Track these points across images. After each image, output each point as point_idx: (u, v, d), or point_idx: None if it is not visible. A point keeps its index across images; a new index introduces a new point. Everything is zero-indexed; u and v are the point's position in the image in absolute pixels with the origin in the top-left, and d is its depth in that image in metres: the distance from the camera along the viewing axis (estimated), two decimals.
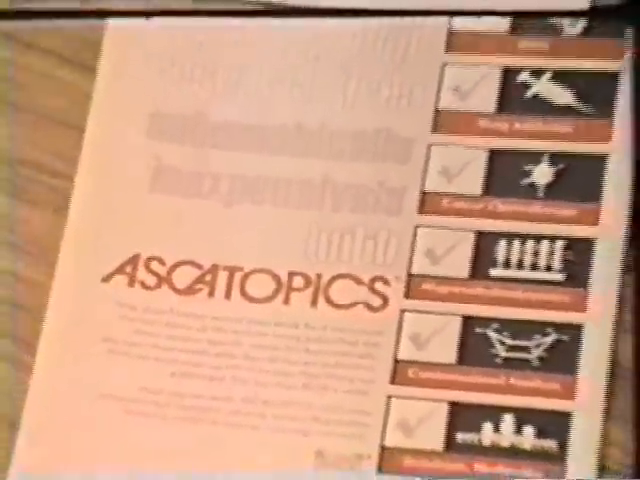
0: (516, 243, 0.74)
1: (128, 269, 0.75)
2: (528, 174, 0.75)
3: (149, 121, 0.78)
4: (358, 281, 0.74)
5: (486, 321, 0.73)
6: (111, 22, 0.80)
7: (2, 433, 0.74)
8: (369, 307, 0.74)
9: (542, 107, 0.76)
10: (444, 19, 0.76)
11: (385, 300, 0.74)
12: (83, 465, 0.73)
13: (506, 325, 0.73)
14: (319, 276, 0.74)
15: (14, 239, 0.77)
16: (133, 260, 0.75)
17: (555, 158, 0.75)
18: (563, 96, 0.76)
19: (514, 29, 0.77)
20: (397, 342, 0.73)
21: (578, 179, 0.74)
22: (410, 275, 0.74)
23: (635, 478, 0.59)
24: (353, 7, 0.76)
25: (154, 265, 0.75)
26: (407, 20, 0.76)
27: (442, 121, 0.76)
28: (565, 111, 0.75)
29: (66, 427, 0.74)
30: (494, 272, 0.73)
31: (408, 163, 0.75)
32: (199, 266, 0.75)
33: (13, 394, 0.75)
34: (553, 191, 0.74)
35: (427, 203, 0.75)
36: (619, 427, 0.71)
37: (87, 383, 0.74)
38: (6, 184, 0.78)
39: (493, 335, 0.73)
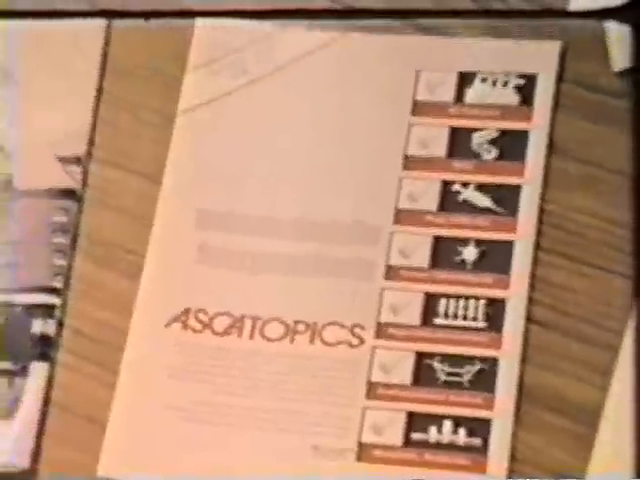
0: (452, 301, 0.74)
1: (182, 318, 0.75)
2: (460, 253, 0.75)
3: (197, 215, 0.77)
4: (342, 326, 0.74)
5: (432, 355, 0.73)
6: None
7: (94, 435, 0.73)
8: (350, 345, 0.74)
9: (469, 208, 0.76)
10: (401, 144, 0.77)
11: (361, 340, 0.74)
12: (155, 461, 0.72)
13: (446, 358, 0.73)
14: (315, 323, 0.74)
15: (101, 296, 0.76)
16: (186, 312, 0.75)
17: (479, 243, 0.75)
18: (483, 201, 0.76)
19: (449, 154, 0.77)
20: (370, 369, 0.73)
21: (494, 257, 0.74)
22: (379, 323, 0.74)
23: (635, 478, 0.57)
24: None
25: (200, 315, 0.75)
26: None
27: (401, 216, 0.76)
28: (485, 211, 0.75)
29: (140, 431, 0.73)
30: (437, 321, 0.73)
31: (377, 245, 0.75)
32: (231, 316, 0.75)
33: (101, 405, 0.74)
34: (477, 265, 0.74)
35: (390, 273, 0.75)
36: (525, 430, 0.71)
37: (155, 398, 0.74)
38: (96, 258, 0.77)
39: (437, 365, 0.73)
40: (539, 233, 0.75)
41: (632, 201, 0.70)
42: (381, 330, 0.74)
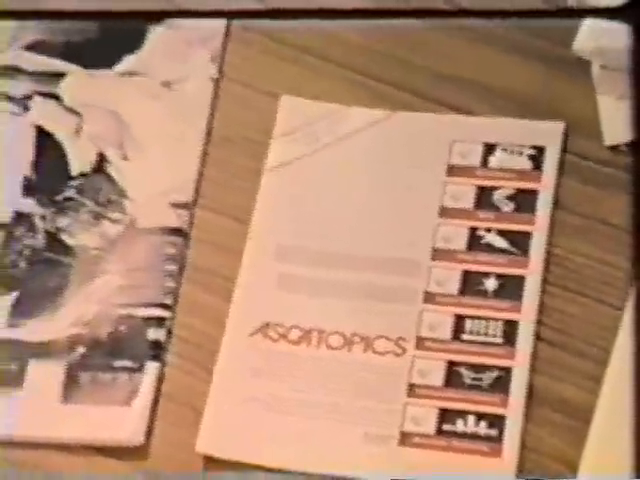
0: (476, 321, 0.72)
1: (263, 330, 0.73)
2: (483, 284, 0.73)
3: (276, 250, 0.75)
4: (389, 339, 0.72)
5: (460, 363, 0.71)
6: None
7: (194, 419, 0.71)
8: (395, 354, 0.72)
9: (491, 249, 0.74)
10: (438, 197, 0.75)
11: (404, 350, 0.72)
12: (240, 441, 0.70)
13: (471, 366, 0.71)
14: (368, 337, 0.72)
15: (201, 311, 0.74)
16: (266, 325, 0.73)
17: (498, 276, 0.73)
18: (502, 243, 0.74)
19: (476, 207, 0.75)
20: (410, 373, 0.71)
21: (510, 288, 0.72)
22: (418, 337, 0.72)
23: (635, 478, 0.53)
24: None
25: (277, 328, 0.73)
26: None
27: (437, 254, 0.74)
28: (503, 251, 0.74)
29: (229, 418, 0.71)
30: (465, 336, 0.72)
31: (418, 276, 0.73)
32: (302, 329, 0.73)
33: (199, 396, 0.72)
34: (497, 294, 0.72)
35: (428, 298, 0.73)
36: (532, 424, 0.69)
37: (240, 392, 0.72)
38: (198, 282, 0.75)
39: (463, 371, 0.71)
40: (546, 270, 0.73)
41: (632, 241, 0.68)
42: (420, 343, 0.72)
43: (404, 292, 0.74)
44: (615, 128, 0.75)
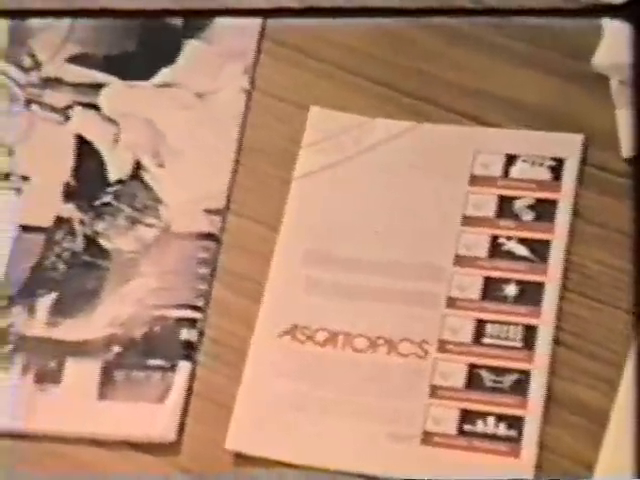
0: (497, 326, 0.73)
1: (291, 332, 0.74)
2: (503, 290, 0.74)
3: (304, 255, 0.76)
4: (412, 342, 0.73)
5: (480, 366, 0.72)
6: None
7: (224, 417, 0.72)
8: (418, 356, 0.73)
9: (511, 256, 0.75)
10: (461, 206, 0.76)
11: (427, 353, 0.73)
12: (269, 438, 0.72)
13: (491, 369, 0.72)
14: (392, 339, 0.73)
15: (231, 313, 0.75)
16: (294, 327, 0.75)
17: (518, 282, 0.74)
18: (522, 251, 0.75)
19: (497, 215, 0.76)
20: (432, 375, 0.72)
21: (530, 294, 0.74)
22: (440, 340, 0.73)
23: (636, 478, 0.54)
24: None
25: (305, 330, 0.75)
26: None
27: (459, 260, 0.75)
28: (523, 259, 0.75)
29: (258, 415, 0.72)
30: (485, 340, 0.73)
31: (441, 281, 0.75)
32: (329, 331, 0.74)
33: (229, 394, 0.73)
34: (516, 300, 0.74)
35: (450, 303, 0.74)
36: (550, 426, 0.70)
37: (268, 390, 0.73)
38: (229, 285, 0.76)
39: (484, 374, 0.72)
40: (564, 277, 0.74)
41: (633, 256, 0.70)
42: (442, 346, 0.73)
43: (427, 297, 0.75)
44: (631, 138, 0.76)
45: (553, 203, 0.76)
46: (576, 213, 0.76)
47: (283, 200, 0.79)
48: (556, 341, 0.73)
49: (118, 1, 0.56)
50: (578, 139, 0.78)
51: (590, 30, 0.79)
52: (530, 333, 0.73)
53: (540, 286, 0.74)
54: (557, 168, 0.77)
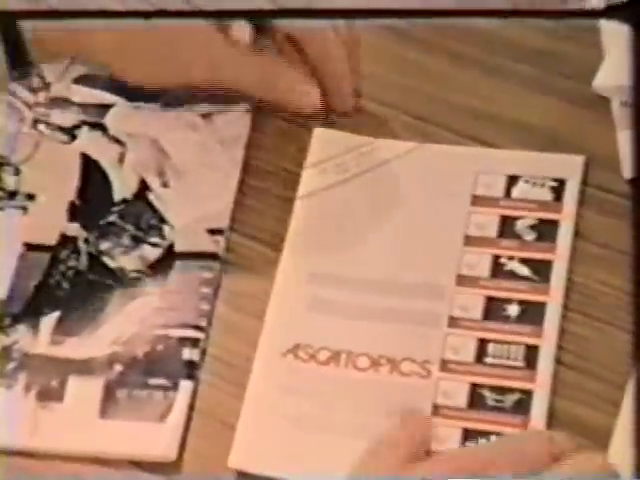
0: (499, 345, 0.72)
1: (294, 350, 0.73)
2: (505, 310, 0.73)
3: (308, 274, 0.75)
4: (414, 362, 0.72)
5: (483, 386, 0.71)
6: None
7: (226, 435, 0.71)
8: (421, 376, 0.72)
9: (513, 276, 0.74)
10: (463, 226, 0.75)
11: (429, 372, 0.72)
12: (272, 457, 0.70)
13: (493, 388, 0.71)
14: (394, 359, 0.72)
15: (234, 332, 0.74)
16: (297, 346, 0.73)
17: (520, 302, 0.73)
18: (524, 271, 0.74)
19: (499, 235, 0.75)
20: (435, 395, 0.71)
21: (532, 314, 0.72)
22: (443, 360, 0.72)
23: (636, 478, 0.53)
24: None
25: (307, 349, 0.73)
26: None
27: (461, 280, 0.74)
28: (525, 279, 0.73)
29: (261, 434, 0.71)
30: (487, 360, 0.71)
31: (443, 301, 0.74)
32: (331, 350, 0.73)
33: (232, 413, 0.71)
34: (518, 319, 0.72)
35: (452, 322, 0.73)
36: None
37: (272, 409, 0.72)
38: (231, 304, 0.75)
39: (486, 393, 0.71)
40: (566, 297, 0.73)
41: (634, 276, 0.68)
42: (444, 365, 0.72)
43: (429, 316, 0.74)
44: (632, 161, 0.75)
45: (554, 223, 0.75)
46: (577, 233, 0.75)
47: (287, 220, 0.78)
48: (558, 361, 0.71)
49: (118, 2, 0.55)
50: (579, 160, 0.77)
51: (591, 52, 0.79)
52: (532, 353, 0.71)
53: (542, 306, 0.73)
54: (558, 189, 0.76)
